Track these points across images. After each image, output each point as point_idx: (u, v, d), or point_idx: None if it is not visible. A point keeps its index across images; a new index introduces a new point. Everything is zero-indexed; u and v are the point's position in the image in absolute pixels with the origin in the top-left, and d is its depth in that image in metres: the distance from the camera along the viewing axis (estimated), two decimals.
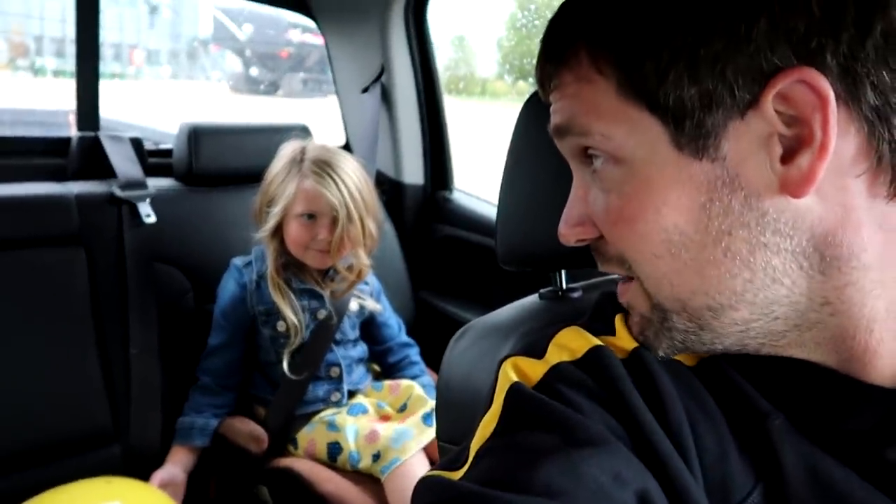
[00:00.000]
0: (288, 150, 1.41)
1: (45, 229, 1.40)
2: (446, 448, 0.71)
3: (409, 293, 1.84)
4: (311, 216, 1.36)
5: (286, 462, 1.38)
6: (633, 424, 0.43)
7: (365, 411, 1.42)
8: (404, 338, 1.61)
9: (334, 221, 1.35)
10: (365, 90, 1.86)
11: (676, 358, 0.48)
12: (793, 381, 0.44)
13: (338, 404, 1.43)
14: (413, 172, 1.90)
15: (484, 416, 0.47)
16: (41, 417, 1.35)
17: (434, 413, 0.73)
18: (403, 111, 1.86)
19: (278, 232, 1.39)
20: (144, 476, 1.32)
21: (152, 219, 1.47)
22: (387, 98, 1.85)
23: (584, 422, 0.42)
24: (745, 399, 0.45)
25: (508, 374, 0.48)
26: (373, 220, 1.41)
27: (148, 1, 10.08)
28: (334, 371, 1.44)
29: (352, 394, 1.46)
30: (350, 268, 1.42)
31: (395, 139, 1.88)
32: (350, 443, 1.34)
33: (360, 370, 1.51)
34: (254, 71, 9.67)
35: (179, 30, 10.97)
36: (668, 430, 0.43)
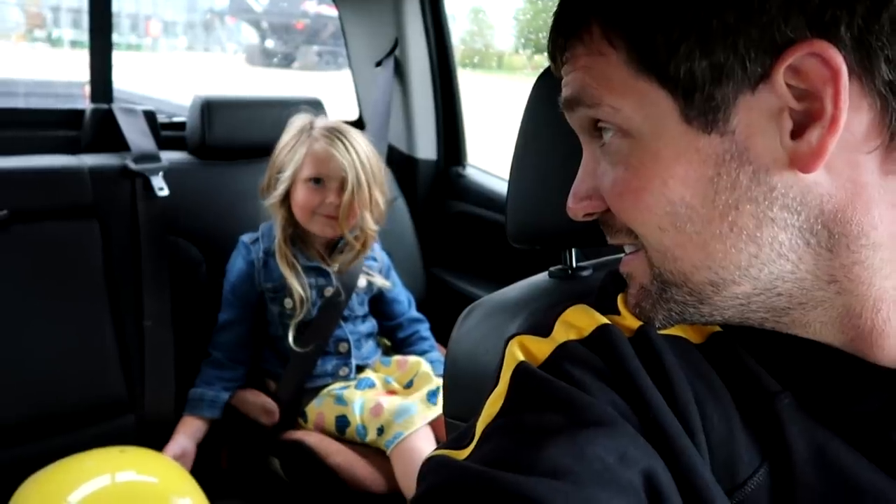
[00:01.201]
0: (297, 122, 1.42)
1: (59, 201, 1.41)
2: (453, 424, 0.71)
3: (420, 269, 1.84)
4: (319, 180, 1.36)
5: (297, 435, 1.40)
6: (640, 404, 0.43)
7: (373, 385, 1.43)
8: (414, 313, 1.61)
9: (342, 186, 1.35)
10: (378, 64, 1.85)
11: (683, 335, 0.48)
12: (801, 360, 0.44)
13: (346, 379, 1.44)
14: (426, 148, 1.89)
15: (490, 394, 0.47)
16: (56, 387, 1.37)
17: (440, 390, 0.73)
18: (417, 85, 1.85)
19: (286, 200, 1.39)
20: (158, 445, 1.35)
21: (165, 192, 1.47)
22: (400, 72, 1.84)
23: (591, 402, 0.41)
24: (752, 378, 0.44)
25: (515, 353, 0.48)
26: (380, 192, 1.41)
27: None
28: (343, 346, 1.45)
29: (361, 368, 1.47)
30: (356, 236, 1.42)
31: (408, 114, 1.87)
32: (357, 416, 1.35)
33: (368, 345, 1.51)
34: (269, 43, 9.63)
35: (196, 1, 10.92)
36: (675, 409, 0.42)
